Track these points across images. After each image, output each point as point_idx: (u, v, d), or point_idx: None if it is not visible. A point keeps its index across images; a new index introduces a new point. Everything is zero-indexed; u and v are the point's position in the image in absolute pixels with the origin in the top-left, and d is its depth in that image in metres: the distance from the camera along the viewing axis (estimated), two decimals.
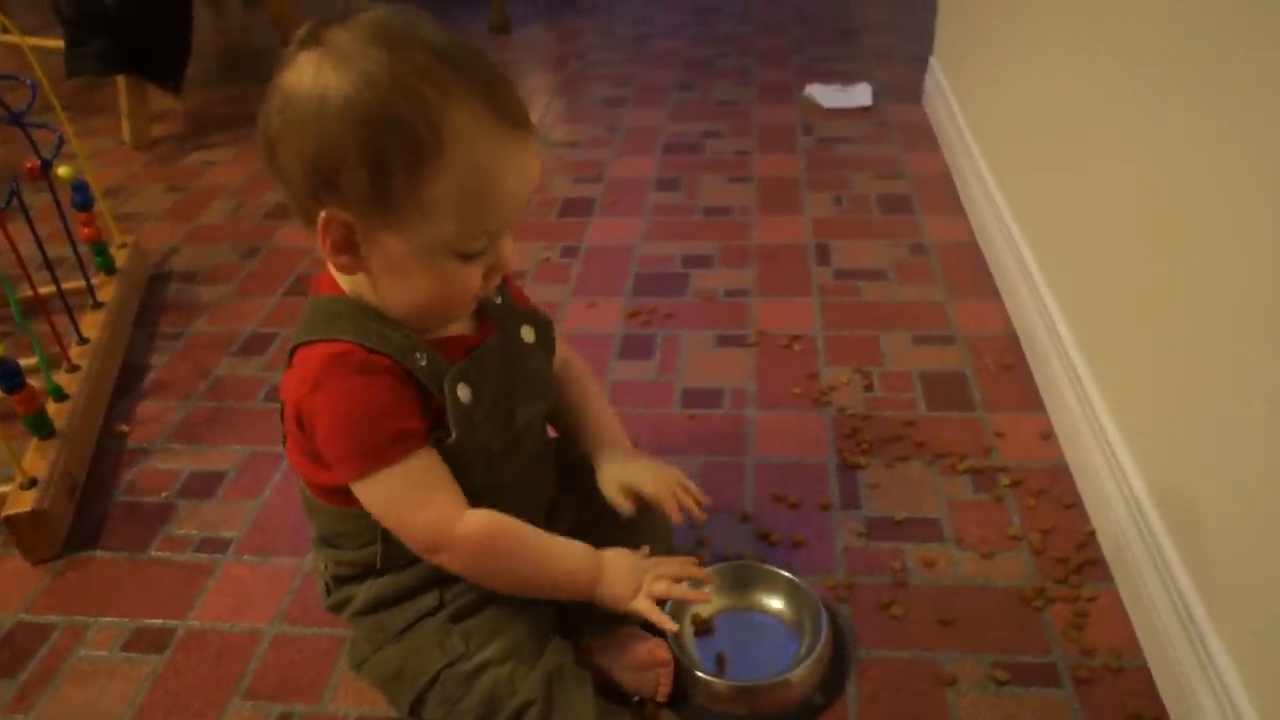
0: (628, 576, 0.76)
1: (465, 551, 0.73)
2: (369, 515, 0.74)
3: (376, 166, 0.63)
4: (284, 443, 0.80)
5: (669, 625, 0.77)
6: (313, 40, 0.65)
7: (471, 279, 0.70)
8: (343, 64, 0.63)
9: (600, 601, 0.76)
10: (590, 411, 0.87)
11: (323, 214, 0.66)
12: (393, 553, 0.77)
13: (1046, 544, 0.95)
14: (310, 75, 0.64)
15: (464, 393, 0.73)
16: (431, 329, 0.73)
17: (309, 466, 0.76)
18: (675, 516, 0.79)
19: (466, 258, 0.68)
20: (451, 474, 0.73)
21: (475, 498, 0.73)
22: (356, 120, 0.63)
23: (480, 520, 0.73)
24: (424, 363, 0.71)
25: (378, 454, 0.70)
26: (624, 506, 0.80)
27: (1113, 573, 0.91)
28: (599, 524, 0.83)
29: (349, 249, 0.68)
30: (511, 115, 0.66)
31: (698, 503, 0.81)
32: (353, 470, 0.71)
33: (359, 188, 0.64)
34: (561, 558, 0.76)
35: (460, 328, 0.76)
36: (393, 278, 0.69)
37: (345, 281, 0.72)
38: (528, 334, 0.80)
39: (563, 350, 0.87)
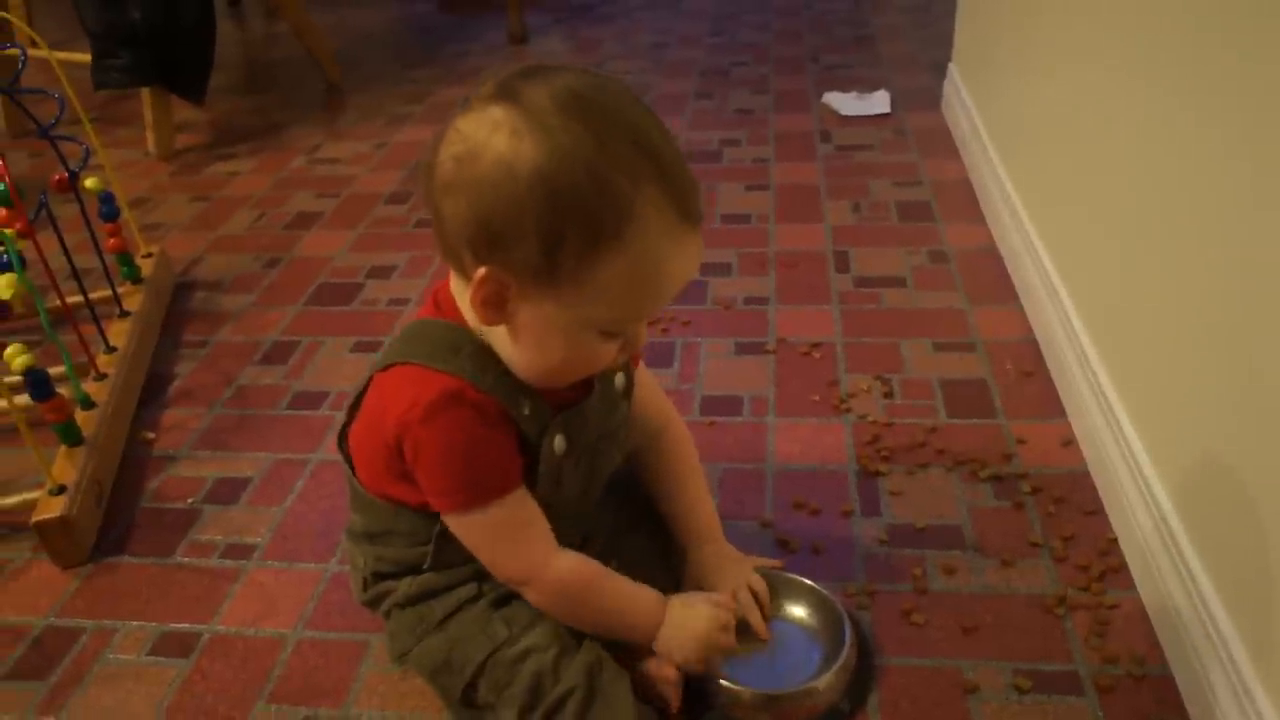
0: (681, 641, 0.79)
1: (553, 591, 0.76)
2: (426, 514, 0.76)
3: (551, 242, 0.63)
4: (342, 432, 0.82)
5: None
6: (508, 96, 0.64)
7: (607, 354, 0.71)
8: (538, 132, 0.62)
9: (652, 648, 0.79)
10: (687, 494, 0.88)
11: (483, 270, 0.65)
12: (443, 555, 0.78)
13: (1068, 551, 0.95)
14: (503, 137, 0.62)
15: (560, 444, 0.74)
16: (545, 387, 0.73)
17: (383, 476, 0.77)
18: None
19: (609, 335, 0.69)
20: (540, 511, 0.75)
21: None
22: (543, 195, 0.62)
23: (571, 564, 0.76)
24: (527, 411, 0.72)
25: (481, 492, 0.72)
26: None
27: (1135, 580, 0.91)
28: (633, 530, 0.88)
29: (498, 305, 0.67)
30: (690, 211, 0.66)
31: (765, 616, 0.85)
32: (456, 504, 0.73)
33: (528, 257, 0.64)
34: (631, 610, 0.79)
35: None
36: (531, 339, 0.69)
37: (469, 315, 0.72)
38: (619, 380, 0.81)
39: (664, 409, 0.89)
